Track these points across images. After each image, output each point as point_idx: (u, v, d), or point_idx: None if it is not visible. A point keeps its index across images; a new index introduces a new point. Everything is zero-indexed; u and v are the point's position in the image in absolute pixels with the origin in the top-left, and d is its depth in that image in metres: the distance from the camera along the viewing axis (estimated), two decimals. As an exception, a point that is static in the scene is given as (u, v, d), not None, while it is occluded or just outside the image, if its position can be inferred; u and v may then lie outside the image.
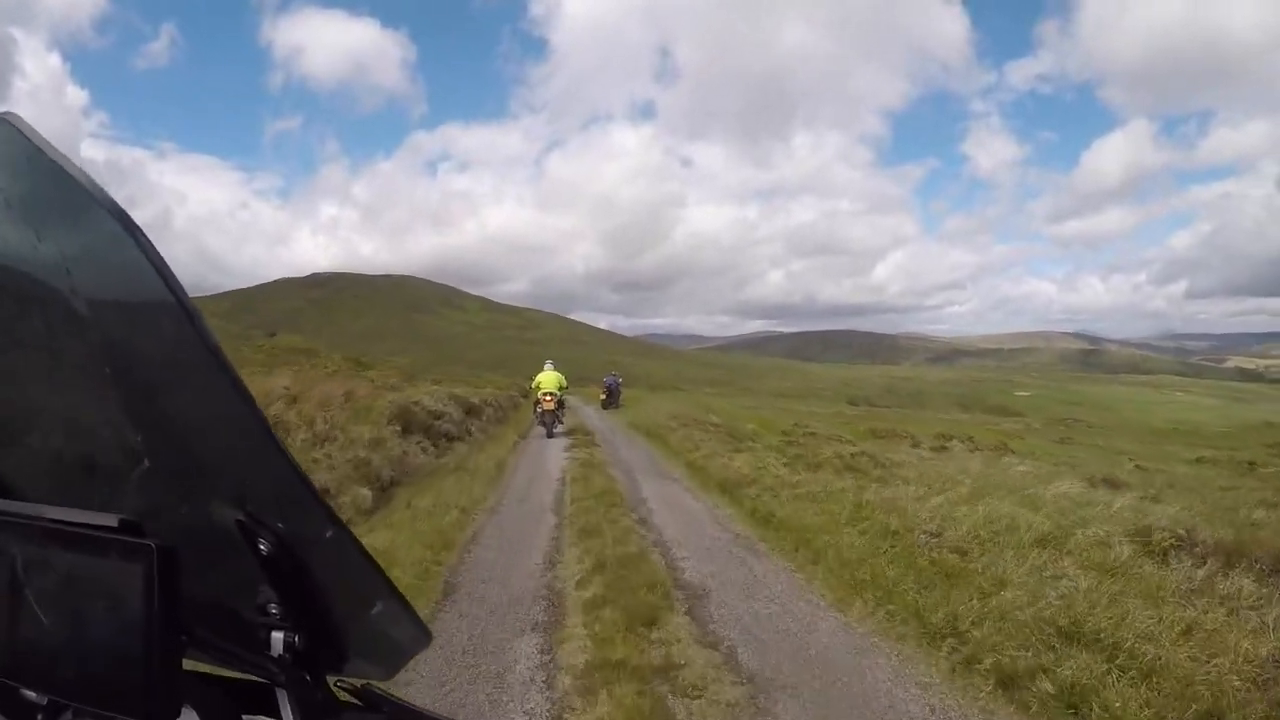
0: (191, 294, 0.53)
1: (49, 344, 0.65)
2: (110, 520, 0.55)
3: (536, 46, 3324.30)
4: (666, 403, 32.38)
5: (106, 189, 0.52)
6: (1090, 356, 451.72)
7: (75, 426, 0.71)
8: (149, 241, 0.52)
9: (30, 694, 0.62)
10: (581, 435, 14.45)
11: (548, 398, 14.30)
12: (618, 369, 30.73)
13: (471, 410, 15.33)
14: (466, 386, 27.60)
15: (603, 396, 26.98)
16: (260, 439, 0.57)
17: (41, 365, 0.67)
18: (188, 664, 0.62)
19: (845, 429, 23.78)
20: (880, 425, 25.16)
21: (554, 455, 11.71)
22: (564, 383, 15.07)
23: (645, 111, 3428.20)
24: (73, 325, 0.60)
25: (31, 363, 0.68)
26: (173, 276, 0.52)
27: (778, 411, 40.71)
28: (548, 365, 15.44)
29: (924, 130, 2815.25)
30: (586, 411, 26.19)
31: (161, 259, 0.52)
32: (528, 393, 20.00)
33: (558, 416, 14.38)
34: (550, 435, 13.70)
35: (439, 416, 12.08)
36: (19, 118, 0.55)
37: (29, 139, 0.54)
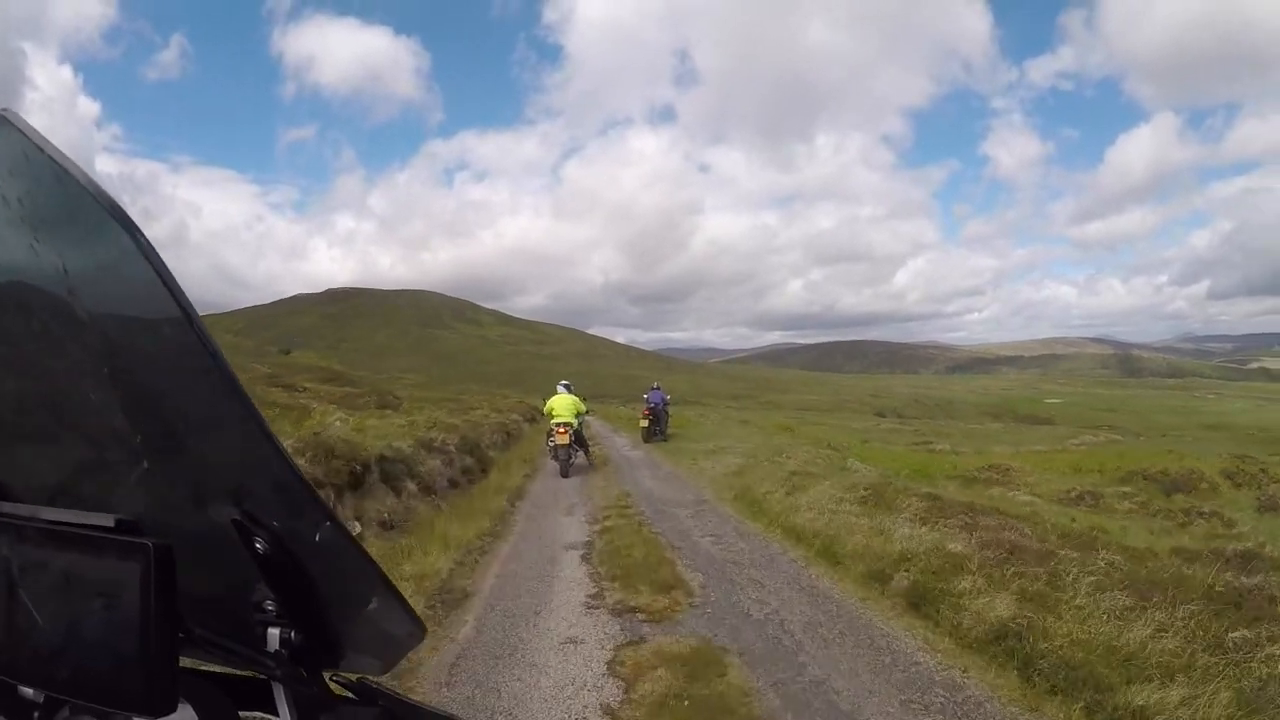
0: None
1: (47, 344, 0.63)
2: (107, 520, 0.55)
3: (552, 52, 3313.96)
4: (733, 428, 23.02)
5: (106, 189, 0.51)
6: (1126, 363, 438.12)
7: (73, 428, 0.70)
8: (148, 242, 0.51)
9: (28, 691, 0.61)
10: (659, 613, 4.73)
11: (561, 429, 12.06)
12: (640, 384, 21.38)
13: (341, 484, 5.73)
14: (444, 409, 18.90)
15: (644, 423, 17.78)
16: (257, 438, 0.57)
17: (39, 366, 0.66)
18: (186, 661, 0.61)
19: (1052, 469, 14.42)
20: (1123, 464, 15.49)
21: None
22: (581, 407, 12.85)
23: (664, 115, 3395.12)
24: (71, 326, 0.59)
25: (29, 364, 0.66)
26: (171, 277, 0.51)
27: (848, 433, 31.44)
28: (561, 387, 13.06)
29: (945, 131, 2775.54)
30: (620, 448, 16.79)
31: (160, 259, 0.51)
32: (535, 418, 18.06)
33: (573, 450, 12.20)
34: (566, 475, 11.56)
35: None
36: (16, 114, 0.53)
37: (27, 136, 0.52)
